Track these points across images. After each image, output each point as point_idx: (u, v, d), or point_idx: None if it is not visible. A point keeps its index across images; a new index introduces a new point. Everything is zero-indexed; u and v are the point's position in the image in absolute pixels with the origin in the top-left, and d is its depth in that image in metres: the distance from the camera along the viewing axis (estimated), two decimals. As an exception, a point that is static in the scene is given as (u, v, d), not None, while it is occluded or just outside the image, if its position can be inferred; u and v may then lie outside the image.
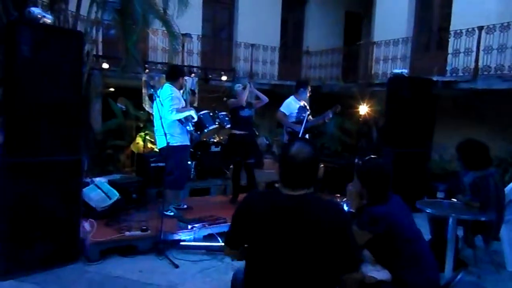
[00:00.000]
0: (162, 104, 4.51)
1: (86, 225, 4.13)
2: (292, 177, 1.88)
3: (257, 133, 7.22)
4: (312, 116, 5.61)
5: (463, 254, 3.98)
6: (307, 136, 5.56)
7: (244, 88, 5.40)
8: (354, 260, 1.90)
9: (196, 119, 4.96)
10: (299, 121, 5.42)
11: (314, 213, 1.84)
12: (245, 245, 1.97)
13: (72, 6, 6.53)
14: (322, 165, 1.95)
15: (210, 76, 9.58)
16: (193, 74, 9.08)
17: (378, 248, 2.43)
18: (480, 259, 3.97)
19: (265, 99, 5.64)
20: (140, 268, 3.69)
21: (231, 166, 6.96)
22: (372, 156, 2.71)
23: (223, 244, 2.01)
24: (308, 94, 5.70)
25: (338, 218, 1.85)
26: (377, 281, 2.30)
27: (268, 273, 1.85)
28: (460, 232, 3.86)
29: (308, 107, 5.60)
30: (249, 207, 1.97)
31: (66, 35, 3.78)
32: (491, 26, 7.70)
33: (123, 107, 8.58)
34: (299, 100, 5.59)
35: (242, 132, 5.41)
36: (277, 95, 6.81)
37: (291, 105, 5.55)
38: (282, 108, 5.57)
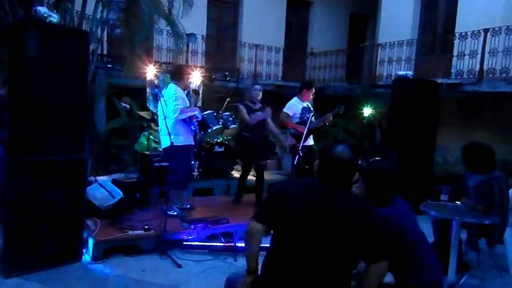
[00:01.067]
0: (166, 104, 4.52)
1: (90, 224, 4.15)
2: (331, 174, 2.04)
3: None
4: (315, 118, 5.60)
5: (466, 257, 3.97)
6: (311, 137, 5.56)
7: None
8: (382, 251, 1.99)
9: (200, 119, 4.96)
10: (302, 122, 5.40)
11: (344, 202, 2.00)
12: (272, 226, 2.09)
13: (77, 6, 6.57)
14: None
15: (214, 77, 9.57)
16: (197, 75, 9.06)
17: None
18: (483, 262, 3.96)
19: (266, 116, 5.45)
20: (143, 268, 3.70)
21: (234, 166, 6.98)
22: (376, 158, 2.72)
23: (251, 217, 2.15)
24: (311, 96, 5.68)
25: (366, 211, 2.03)
26: (380, 284, 2.29)
27: (292, 253, 1.97)
28: (464, 235, 3.84)
29: (311, 108, 5.60)
30: (284, 188, 2.22)
31: (71, 34, 3.78)
32: (496, 29, 7.68)
33: (127, 106, 8.61)
34: (303, 101, 5.59)
35: (251, 135, 5.35)
36: (281, 96, 6.80)
37: (294, 106, 5.55)
38: (285, 109, 5.57)
